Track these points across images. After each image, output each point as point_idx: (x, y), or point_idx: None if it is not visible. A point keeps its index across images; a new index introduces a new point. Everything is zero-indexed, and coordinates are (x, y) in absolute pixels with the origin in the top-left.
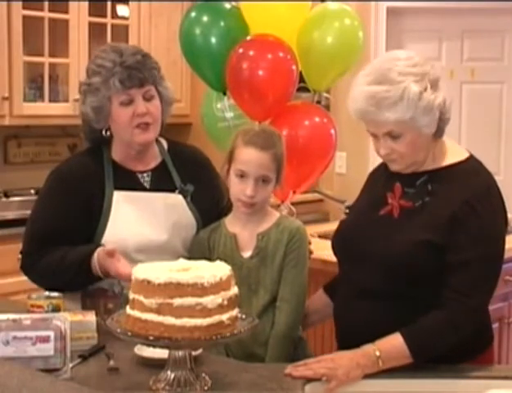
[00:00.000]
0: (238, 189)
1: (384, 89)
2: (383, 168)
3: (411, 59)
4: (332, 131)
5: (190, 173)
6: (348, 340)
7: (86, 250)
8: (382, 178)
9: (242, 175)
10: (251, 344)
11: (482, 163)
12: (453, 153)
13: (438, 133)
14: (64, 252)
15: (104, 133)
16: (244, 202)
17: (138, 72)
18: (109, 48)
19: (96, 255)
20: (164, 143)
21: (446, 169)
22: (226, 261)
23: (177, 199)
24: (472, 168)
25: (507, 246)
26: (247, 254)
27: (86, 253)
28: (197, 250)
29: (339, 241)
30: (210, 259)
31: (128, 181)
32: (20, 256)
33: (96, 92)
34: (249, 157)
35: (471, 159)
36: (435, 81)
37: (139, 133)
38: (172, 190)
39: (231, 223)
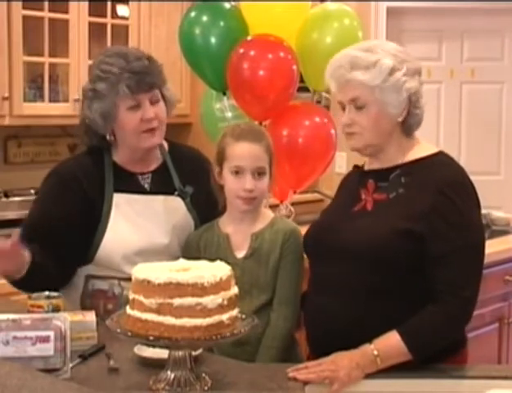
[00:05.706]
0: (236, 186)
1: (362, 54)
2: (354, 171)
3: (402, 49)
4: (332, 131)
5: (189, 174)
6: (327, 344)
7: None
8: (354, 179)
9: (238, 171)
10: (242, 342)
11: (453, 158)
12: (423, 148)
13: (406, 127)
14: None
15: (108, 137)
16: (243, 198)
17: (146, 77)
18: (113, 53)
19: None
20: (165, 145)
21: (417, 162)
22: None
23: (176, 201)
24: (443, 160)
25: (507, 246)
26: (241, 254)
27: None
28: (187, 251)
29: (312, 241)
30: (200, 259)
31: (129, 183)
32: None
33: (102, 98)
34: (243, 151)
35: (442, 153)
36: (413, 71)
37: (146, 139)
38: (171, 192)
39: (225, 224)
